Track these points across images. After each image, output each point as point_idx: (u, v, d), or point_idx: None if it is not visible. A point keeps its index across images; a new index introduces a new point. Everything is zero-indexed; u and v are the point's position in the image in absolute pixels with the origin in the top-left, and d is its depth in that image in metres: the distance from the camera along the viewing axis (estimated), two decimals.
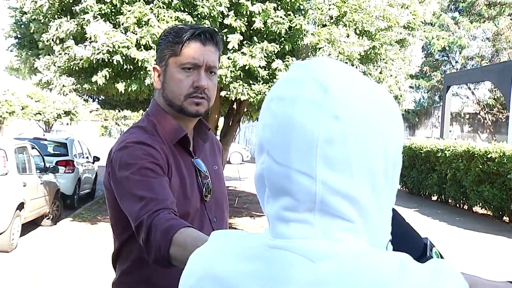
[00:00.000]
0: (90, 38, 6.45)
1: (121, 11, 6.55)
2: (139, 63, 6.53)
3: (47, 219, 9.06)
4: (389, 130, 0.66)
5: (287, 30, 6.76)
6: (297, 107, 0.63)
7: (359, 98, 0.64)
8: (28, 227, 8.34)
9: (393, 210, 0.76)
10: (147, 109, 1.65)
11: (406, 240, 0.77)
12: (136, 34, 6.54)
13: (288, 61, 6.79)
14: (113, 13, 6.65)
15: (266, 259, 0.64)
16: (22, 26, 8.14)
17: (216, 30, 1.68)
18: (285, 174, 0.64)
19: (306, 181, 0.62)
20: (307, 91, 0.64)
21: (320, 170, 0.62)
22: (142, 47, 6.63)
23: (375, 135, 0.64)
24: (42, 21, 7.05)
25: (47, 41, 6.89)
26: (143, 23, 6.53)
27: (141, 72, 6.75)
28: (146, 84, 6.79)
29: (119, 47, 6.40)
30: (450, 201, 13.47)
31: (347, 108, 0.63)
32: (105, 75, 6.75)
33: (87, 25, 6.50)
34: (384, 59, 7.82)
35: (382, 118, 0.65)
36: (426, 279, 0.59)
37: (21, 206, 7.36)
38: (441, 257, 0.79)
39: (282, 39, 6.94)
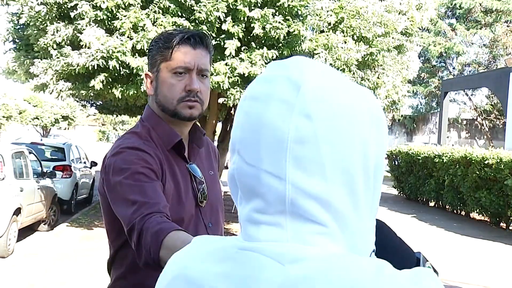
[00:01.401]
0: (85, 45, 6.47)
1: (117, 17, 6.56)
2: (134, 70, 6.54)
3: (44, 224, 9.03)
4: (371, 134, 0.63)
5: (286, 35, 6.77)
6: (269, 106, 0.61)
7: (335, 99, 0.61)
8: (25, 232, 8.31)
9: (384, 224, 0.75)
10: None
11: (398, 255, 0.76)
12: (132, 39, 6.55)
13: None
14: (109, 18, 6.66)
15: (235, 260, 0.63)
16: (19, 30, 8.15)
17: (206, 33, 1.68)
18: (255, 175, 0.62)
19: (275, 183, 0.60)
20: (279, 90, 0.62)
21: (290, 171, 0.60)
22: (138, 52, 6.64)
23: (352, 137, 0.61)
24: (40, 26, 7.06)
25: (44, 45, 6.90)
26: (139, 28, 6.54)
27: (137, 78, 6.76)
28: (142, 90, 6.80)
29: (113, 52, 6.41)
30: (447, 207, 13.47)
31: (320, 108, 0.60)
32: (102, 80, 6.75)
33: (82, 32, 6.51)
34: (381, 65, 7.84)
35: (362, 122, 0.62)
36: (404, 285, 0.57)
37: (18, 211, 7.34)
38: (435, 271, 0.78)
39: (280, 44, 6.96)
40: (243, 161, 0.64)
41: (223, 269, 0.63)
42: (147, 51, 5.91)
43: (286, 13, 6.80)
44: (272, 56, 6.73)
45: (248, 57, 6.73)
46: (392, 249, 0.75)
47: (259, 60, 6.65)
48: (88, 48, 6.44)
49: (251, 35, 6.72)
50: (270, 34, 6.63)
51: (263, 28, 6.63)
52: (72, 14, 6.65)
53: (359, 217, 0.63)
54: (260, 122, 0.62)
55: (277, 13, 6.73)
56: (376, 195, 0.66)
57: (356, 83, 0.67)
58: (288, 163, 0.60)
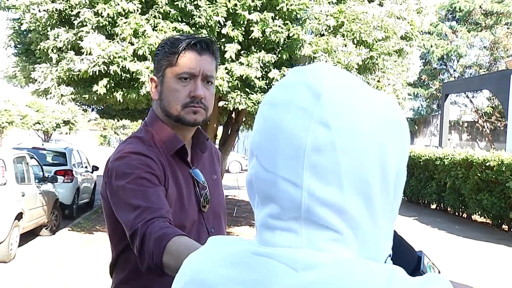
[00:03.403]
0: (86, 51, 6.50)
1: (117, 24, 6.59)
2: (134, 75, 6.57)
3: (46, 229, 9.03)
4: (391, 142, 0.63)
5: (285, 39, 6.79)
6: (287, 113, 0.62)
7: (354, 107, 0.61)
8: (27, 237, 8.32)
9: None
10: (145, 118, 1.66)
11: (400, 253, 0.75)
12: (133, 44, 6.58)
13: (284, 71, 6.82)
14: (110, 24, 6.69)
15: (249, 265, 0.63)
16: (21, 35, 8.18)
17: (213, 39, 1.68)
18: (272, 181, 0.62)
19: (291, 189, 0.61)
20: (298, 97, 0.62)
21: (307, 179, 0.60)
22: (139, 57, 6.66)
23: (369, 146, 0.61)
24: (41, 32, 7.08)
25: (44, 50, 6.92)
26: (140, 33, 6.57)
27: (138, 82, 6.79)
28: (143, 94, 6.82)
29: (115, 57, 6.43)
30: (449, 209, 13.46)
31: (339, 117, 0.60)
32: (105, 85, 6.78)
33: (83, 39, 6.54)
34: (381, 68, 7.85)
35: (380, 129, 0.62)
36: None
37: (19, 216, 7.34)
38: (437, 270, 0.78)
39: (280, 48, 6.98)
40: (261, 166, 0.64)
41: (236, 273, 0.64)
42: (148, 56, 5.90)
43: (286, 17, 6.82)
44: (269, 60, 6.75)
45: (247, 60, 6.76)
46: (393, 247, 0.75)
47: (256, 62, 6.68)
48: (90, 54, 6.47)
49: (250, 37, 6.74)
50: (270, 38, 6.65)
51: (263, 32, 6.65)
52: (75, 22, 6.69)
53: (375, 224, 0.63)
54: (278, 128, 0.62)
55: (276, 17, 6.75)
56: (397, 201, 0.66)
57: (375, 89, 0.68)
58: (305, 170, 0.60)
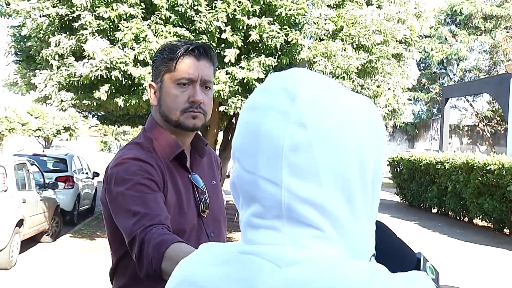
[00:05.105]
0: (88, 56, 6.51)
1: (119, 28, 6.61)
2: (136, 80, 6.59)
3: (47, 235, 9.02)
4: (367, 140, 0.65)
5: (284, 44, 6.81)
6: (266, 116, 0.64)
7: (330, 108, 0.64)
8: (28, 243, 8.31)
9: (384, 225, 0.76)
10: (145, 124, 1.67)
11: (399, 256, 0.76)
12: (134, 49, 6.60)
13: None
14: (111, 29, 6.71)
15: (235, 263, 0.65)
16: (21, 42, 8.20)
17: (210, 45, 1.70)
18: (253, 182, 0.65)
19: (272, 189, 0.63)
20: (275, 100, 0.65)
21: (286, 177, 0.62)
22: (140, 63, 6.68)
23: (348, 144, 0.63)
24: (41, 38, 7.10)
25: (46, 57, 6.94)
26: (141, 39, 6.59)
27: (139, 88, 6.80)
28: (144, 100, 6.83)
29: (117, 63, 6.45)
30: (450, 213, 13.44)
31: (315, 117, 0.63)
32: (106, 91, 6.80)
33: (85, 42, 6.56)
34: (381, 73, 7.85)
35: (357, 129, 0.64)
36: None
37: (20, 223, 7.34)
38: (436, 271, 0.79)
39: (279, 53, 6.99)
40: (242, 168, 0.67)
41: (225, 271, 0.66)
42: (149, 61, 5.93)
43: (284, 22, 6.84)
44: (271, 64, 6.77)
45: (247, 64, 6.78)
46: (391, 250, 0.75)
47: (257, 66, 6.70)
48: (92, 58, 6.49)
49: (248, 41, 6.76)
50: (267, 43, 6.67)
51: (260, 36, 6.68)
52: (75, 25, 6.70)
53: (356, 221, 0.64)
54: (257, 131, 0.65)
55: (275, 22, 6.77)
56: (375, 199, 0.68)
57: (352, 91, 0.70)
58: (284, 170, 0.62)
